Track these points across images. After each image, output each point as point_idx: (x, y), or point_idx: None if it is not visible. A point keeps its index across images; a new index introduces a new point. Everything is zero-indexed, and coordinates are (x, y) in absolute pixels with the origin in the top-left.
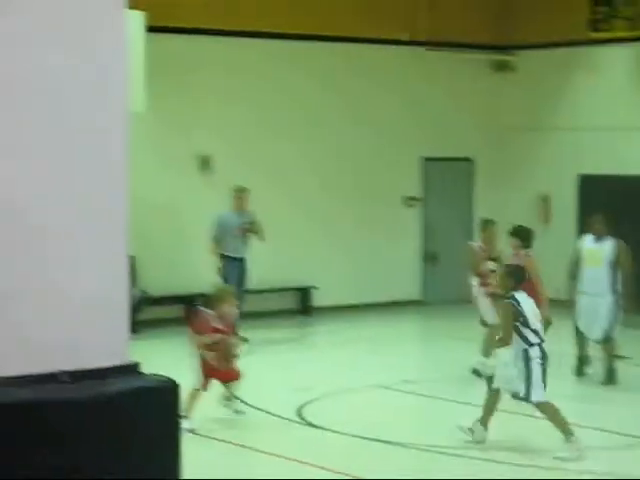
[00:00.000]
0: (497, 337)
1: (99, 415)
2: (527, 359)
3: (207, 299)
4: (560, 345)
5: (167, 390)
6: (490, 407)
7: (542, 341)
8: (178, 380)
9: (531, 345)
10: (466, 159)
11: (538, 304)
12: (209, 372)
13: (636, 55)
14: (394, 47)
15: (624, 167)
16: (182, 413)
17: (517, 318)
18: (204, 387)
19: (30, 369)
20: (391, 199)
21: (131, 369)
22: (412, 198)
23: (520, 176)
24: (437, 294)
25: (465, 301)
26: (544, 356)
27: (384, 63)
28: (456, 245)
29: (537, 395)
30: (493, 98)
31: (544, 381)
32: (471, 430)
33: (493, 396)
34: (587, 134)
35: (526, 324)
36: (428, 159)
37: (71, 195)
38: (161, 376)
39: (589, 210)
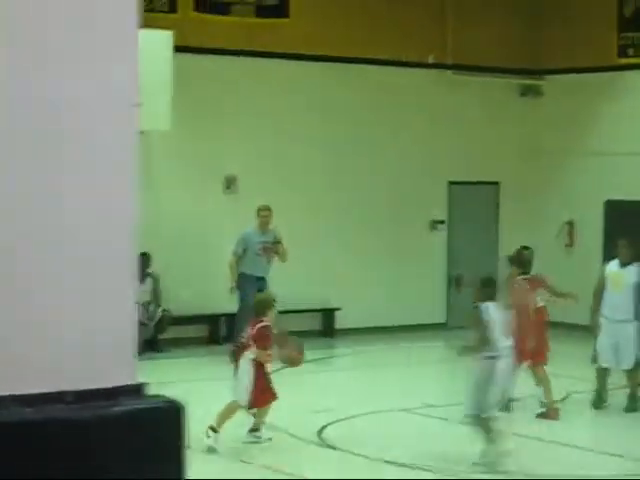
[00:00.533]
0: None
1: (103, 436)
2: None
3: (255, 308)
4: (579, 371)
5: (172, 411)
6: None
7: (495, 357)
8: (197, 399)
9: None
10: (492, 183)
11: (524, 330)
12: (259, 394)
13: None
14: (421, 70)
15: None
16: (214, 426)
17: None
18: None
19: (34, 389)
20: (417, 222)
21: (136, 390)
22: (438, 222)
23: (546, 200)
24: (461, 318)
25: None
26: (491, 371)
27: (412, 86)
28: (481, 269)
29: (466, 407)
30: (520, 122)
31: (479, 396)
32: (482, 460)
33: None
34: (614, 159)
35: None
36: (454, 183)
37: (75, 214)
38: (166, 397)
39: (615, 235)
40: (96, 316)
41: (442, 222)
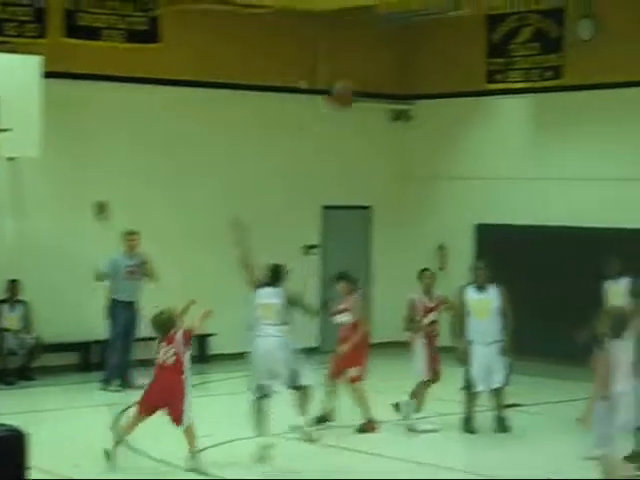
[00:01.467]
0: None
1: None
2: None
3: (158, 326)
4: (446, 392)
5: (14, 440)
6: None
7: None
8: (68, 427)
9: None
10: (365, 207)
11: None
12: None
13: (531, 105)
14: (294, 95)
15: (519, 216)
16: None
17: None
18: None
19: None
20: (290, 247)
21: None
22: (311, 246)
23: (418, 224)
24: (334, 341)
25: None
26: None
27: (285, 111)
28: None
29: None
30: (393, 147)
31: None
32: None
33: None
34: (484, 183)
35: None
36: (327, 207)
37: None
38: (8, 426)
39: (485, 258)
40: None
41: (315, 246)
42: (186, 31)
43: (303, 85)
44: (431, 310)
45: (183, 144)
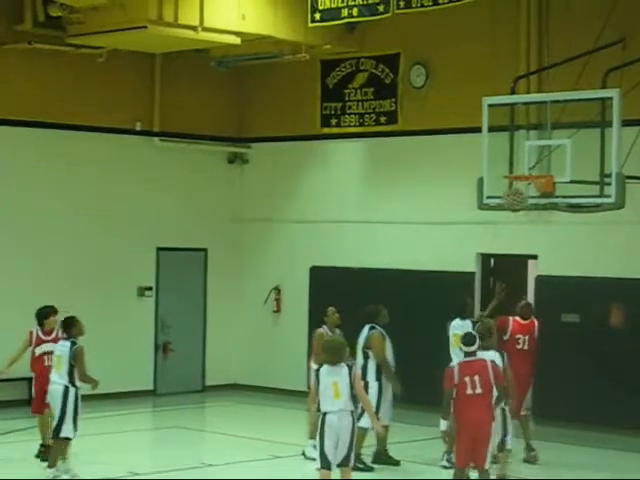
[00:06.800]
0: None
1: None
2: None
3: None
4: None
5: None
6: None
7: None
8: None
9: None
10: (201, 249)
11: None
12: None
13: (365, 150)
14: (128, 137)
15: (352, 259)
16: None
17: None
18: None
19: None
20: (124, 288)
21: None
22: (146, 288)
23: (254, 266)
24: (169, 384)
25: (196, 391)
26: None
27: (122, 153)
28: (189, 335)
29: None
30: (228, 189)
31: None
32: None
33: None
34: (319, 226)
35: None
36: (162, 249)
37: None
38: None
39: (320, 301)
40: None
41: (150, 288)
42: (21, 71)
43: (139, 127)
44: None
45: (19, 184)
